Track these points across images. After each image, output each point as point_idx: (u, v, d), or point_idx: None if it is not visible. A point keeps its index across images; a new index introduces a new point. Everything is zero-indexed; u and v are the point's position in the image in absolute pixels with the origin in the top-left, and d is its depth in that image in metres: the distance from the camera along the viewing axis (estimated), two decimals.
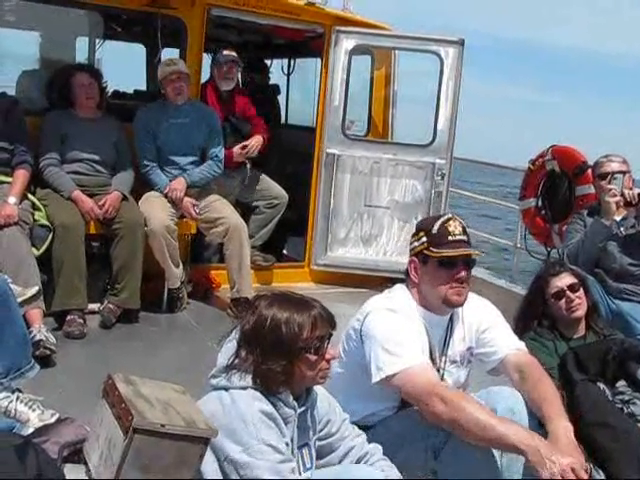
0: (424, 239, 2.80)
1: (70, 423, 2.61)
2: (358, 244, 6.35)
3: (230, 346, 2.28)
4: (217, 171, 5.59)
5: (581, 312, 3.48)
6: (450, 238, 2.77)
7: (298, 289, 6.14)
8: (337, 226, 6.34)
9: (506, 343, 2.90)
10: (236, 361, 2.23)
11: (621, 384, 3.22)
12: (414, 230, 2.93)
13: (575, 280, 3.52)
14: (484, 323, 2.93)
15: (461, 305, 2.84)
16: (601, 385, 3.18)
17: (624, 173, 4.53)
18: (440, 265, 2.76)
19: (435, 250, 2.75)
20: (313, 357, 2.22)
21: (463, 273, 2.77)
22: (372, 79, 6.87)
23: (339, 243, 6.36)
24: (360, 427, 2.62)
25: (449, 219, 2.82)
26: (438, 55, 6.20)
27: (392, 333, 2.68)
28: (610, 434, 2.95)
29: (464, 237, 2.81)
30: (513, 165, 7.35)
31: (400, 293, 2.90)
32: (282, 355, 2.19)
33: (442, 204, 6.18)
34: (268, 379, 2.19)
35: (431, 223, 2.82)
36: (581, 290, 3.51)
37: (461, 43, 6.17)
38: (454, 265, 2.76)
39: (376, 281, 5.64)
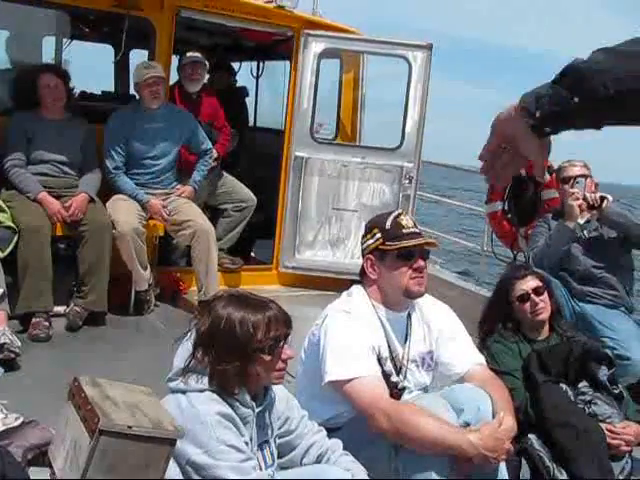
0: (378, 235, 2.85)
1: (35, 426, 2.60)
2: (326, 247, 6.37)
3: (186, 348, 2.29)
4: (211, 163, 5.80)
5: (545, 315, 3.53)
6: (405, 231, 2.84)
7: (266, 292, 6.17)
8: (305, 229, 6.35)
9: (468, 358, 2.95)
10: (192, 363, 2.24)
11: (583, 385, 3.28)
12: (365, 230, 2.97)
13: (540, 283, 3.57)
14: (446, 331, 2.98)
15: (421, 295, 2.90)
16: (563, 386, 3.24)
17: (586, 177, 4.61)
18: (398, 257, 2.83)
19: (391, 243, 2.81)
20: (267, 357, 2.24)
21: (421, 262, 2.85)
22: (341, 83, 6.91)
23: (307, 246, 6.38)
24: (327, 429, 2.63)
25: (400, 214, 2.90)
26: (406, 59, 6.23)
27: (345, 338, 2.73)
28: (572, 434, 3.02)
29: (416, 229, 2.89)
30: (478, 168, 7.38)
31: (356, 293, 2.94)
32: (237, 355, 2.21)
33: (410, 207, 6.21)
34: (224, 380, 2.20)
35: (383, 220, 2.88)
36: (545, 293, 3.55)
37: (429, 47, 6.21)
38: (412, 255, 2.83)
39: (344, 284, 5.58)
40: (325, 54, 6.31)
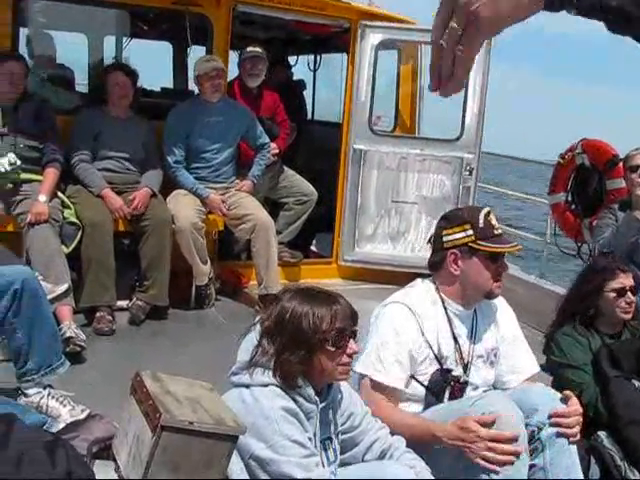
0: (470, 232, 2.77)
1: (99, 420, 2.62)
2: (386, 240, 6.32)
3: (250, 341, 2.28)
4: (269, 157, 5.83)
5: (630, 316, 3.40)
6: (495, 232, 2.79)
7: (326, 285, 6.15)
8: (365, 222, 6.31)
9: (526, 367, 2.93)
10: (257, 355, 2.23)
11: None
12: (448, 221, 2.87)
13: (634, 284, 3.45)
14: (508, 335, 2.94)
15: (497, 296, 2.87)
16: (636, 382, 3.13)
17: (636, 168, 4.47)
18: (488, 258, 2.76)
19: (484, 244, 2.74)
20: (332, 348, 2.22)
21: (506, 266, 2.83)
22: (399, 74, 6.83)
23: (367, 239, 6.34)
24: None
25: (489, 212, 2.82)
26: None
27: (390, 335, 2.71)
28: None
29: (500, 230, 2.83)
30: (541, 159, 7.26)
31: (422, 286, 2.89)
32: (301, 345, 2.19)
33: (470, 199, 6.11)
34: (288, 370, 2.19)
35: (475, 216, 2.79)
36: (636, 296, 3.43)
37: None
38: (499, 259, 2.79)
39: (404, 277, 5.56)
40: (382, 45, 6.25)
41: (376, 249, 6.33)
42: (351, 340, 2.28)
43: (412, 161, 6.20)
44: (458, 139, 6.20)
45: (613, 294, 3.39)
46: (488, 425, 2.43)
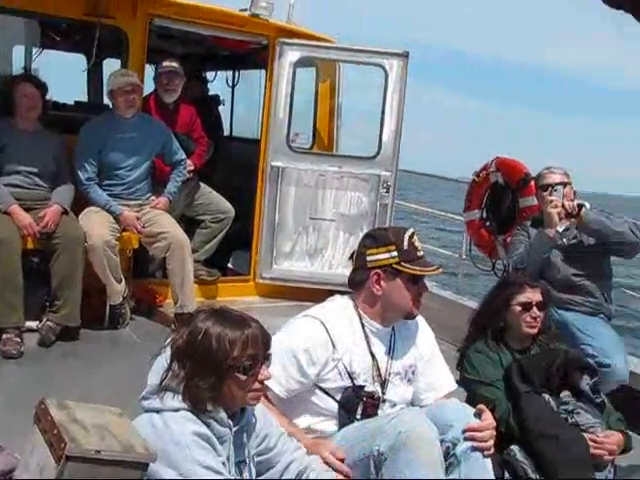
0: (395, 253, 2.79)
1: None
2: (304, 257, 6.31)
3: (160, 364, 2.21)
4: (185, 174, 5.73)
5: (535, 331, 3.47)
6: (419, 254, 2.82)
7: (243, 303, 6.10)
8: (282, 239, 6.28)
9: (444, 385, 2.99)
10: (167, 379, 2.16)
11: (565, 394, 3.23)
12: (373, 241, 2.88)
13: (542, 299, 3.52)
14: (426, 353, 2.97)
15: (416, 317, 2.91)
16: (546, 396, 3.19)
17: (565, 184, 4.58)
18: (410, 280, 2.79)
19: (408, 266, 2.77)
20: (243, 377, 2.17)
21: (426, 288, 2.88)
22: (317, 91, 6.85)
23: (285, 256, 6.31)
24: None
25: (413, 234, 2.86)
26: (383, 68, 6.20)
27: (290, 345, 2.70)
28: (555, 444, 2.97)
29: (423, 253, 2.87)
30: (457, 177, 7.39)
31: (339, 303, 2.90)
32: (211, 371, 2.13)
33: (387, 216, 6.18)
34: (197, 396, 2.13)
35: (399, 237, 2.82)
36: (543, 311, 3.50)
37: (405, 55, 6.19)
38: (420, 281, 2.83)
39: (322, 294, 5.55)
40: (301, 63, 6.27)
41: (294, 266, 6.32)
42: (263, 366, 2.23)
43: (330, 178, 6.23)
44: (375, 157, 6.26)
45: (519, 308, 3.47)
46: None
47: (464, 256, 6.57)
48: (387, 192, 6.20)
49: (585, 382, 3.24)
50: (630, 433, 3.34)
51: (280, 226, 6.26)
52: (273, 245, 6.27)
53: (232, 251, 6.98)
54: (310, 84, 6.89)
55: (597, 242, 4.47)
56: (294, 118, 6.28)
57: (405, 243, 2.79)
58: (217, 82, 8.09)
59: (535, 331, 3.46)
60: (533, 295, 3.48)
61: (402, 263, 2.77)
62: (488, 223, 5.91)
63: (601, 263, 4.59)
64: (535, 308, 3.45)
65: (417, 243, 2.83)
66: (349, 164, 6.29)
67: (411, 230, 2.87)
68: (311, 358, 2.70)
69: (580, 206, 4.38)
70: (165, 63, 5.84)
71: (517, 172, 5.64)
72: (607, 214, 4.51)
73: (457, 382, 3.31)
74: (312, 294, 5.73)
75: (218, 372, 2.14)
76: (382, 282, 2.80)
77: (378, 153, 6.26)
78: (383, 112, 6.20)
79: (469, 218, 6.06)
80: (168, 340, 2.25)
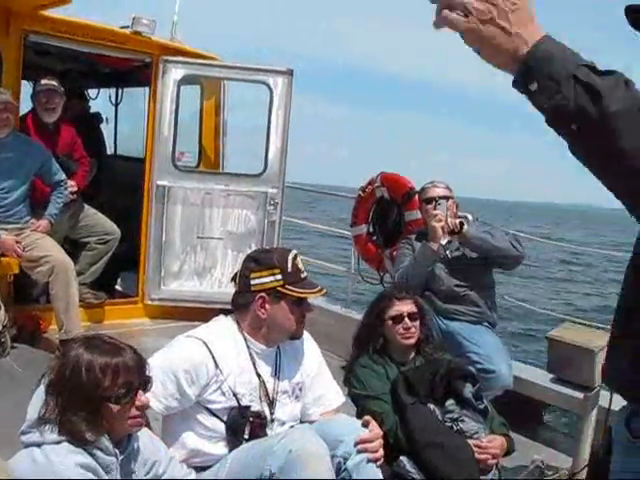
0: (279, 277, 2.78)
1: None
2: (192, 277, 6.24)
3: (40, 395, 2.12)
4: (66, 194, 5.56)
5: (413, 341, 3.52)
6: (302, 276, 2.83)
7: (133, 325, 5.93)
8: (170, 259, 6.18)
9: (331, 399, 3.02)
10: (45, 412, 2.07)
11: (450, 403, 3.30)
12: (254, 263, 2.85)
13: (415, 309, 3.57)
14: (313, 369, 3.00)
15: (301, 337, 2.93)
16: (431, 406, 3.26)
17: (447, 198, 4.70)
18: (294, 303, 2.80)
19: (292, 288, 2.78)
20: (115, 407, 2.10)
21: (310, 309, 2.88)
22: (202, 109, 6.81)
23: (173, 276, 6.21)
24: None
25: (296, 255, 2.86)
26: (267, 85, 6.23)
27: (170, 364, 2.67)
28: (441, 453, 3.04)
29: (306, 273, 2.88)
30: (345, 192, 7.47)
31: (223, 324, 2.88)
32: (84, 403, 2.06)
33: (275, 233, 6.20)
34: (72, 429, 2.04)
35: (283, 260, 2.80)
36: (418, 320, 3.57)
37: (290, 73, 6.24)
38: (305, 302, 2.84)
39: (212, 313, 5.48)
40: (185, 80, 6.21)
41: (183, 286, 6.23)
42: (140, 392, 2.17)
43: (217, 196, 6.19)
44: (262, 174, 6.27)
45: (391, 322, 3.53)
46: None
47: (353, 270, 6.64)
48: (274, 209, 6.22)
49: (468, 390, 3.33)
50: (512, 435, 3.46)
51: (167, 246, 6.16)
52: (161, 265, 6.16)
53: (119, 272, 6.82)
54: (195, 102, 6.85)
55: (479, 255, 4.61)
56: (179, 136, 6.22)
57: (289, 265, 2.79)
58: (100, 100, 7.89)
59: (412, 341, 3.52)
60: (402, 307, 3.54)
61: (286, 286, 2.78)
62: (375, 237, 6.00)
63: (483, 274, 4.72)
64: (407, 319, 3.51)
65: (300, 265, 2.85)
66: (235, 182, 6.27)
67: (294, 252, 2.87)
68: (191, 378, 2.65)
69: (462, 223, 4.50)
70: (43, 81, 5.64)
71: (401, 187, 5.76)
72: (489, 228, 4.65)
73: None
74: (202, 314, 5.65)
75: (91, 403, 2.07)
76: (267, 305, 2.79)
77: (264, 170, 6.27)
78: (269, 129, 6.23)
79: (356, 233, 6.13)
80: (45, 372, 2.16)
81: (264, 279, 2.79)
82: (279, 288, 2.78)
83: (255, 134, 6.59)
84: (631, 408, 1.66)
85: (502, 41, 1.25)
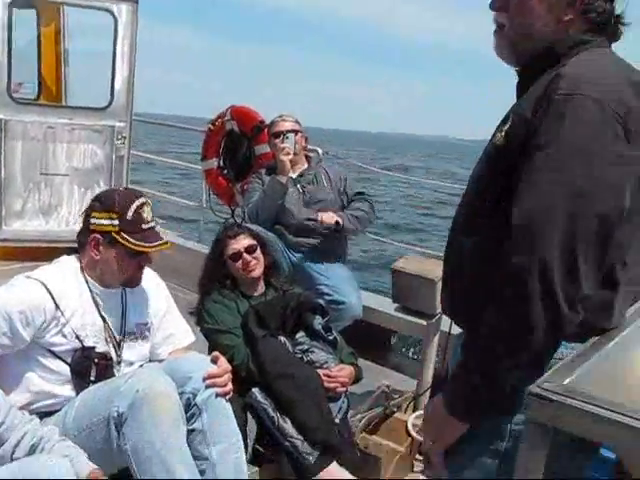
0: (116, 222, 2.68)
1: None
2: (37, 215, 5.93)
3: None
4: None
5: (257, 272, 3.57)
6: (144, 226, 2.71)
7: None
8: (11, 198, 5.83)
9: (181, 337, 3.03)
10: None
11: (300, 335, 3.41)
12: (98, 203, 2.76)
13: (252, 242, 3.60)
14: (161, 308, 2.98)
15: (138, 286, 2.86)
16: (282, 338, 3.35)
17: (296, 132, 4.74)
18: (128, 252, 2.71)
19: (127, 237, 2.68)
20: None
21: (148, 261, 2.80)
22: (39, 36, 6.40)
23: (16, 216, 5.88)
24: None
25: (143, 204, 2.73)
26: (111, 12, 5.93)
27: (9, 307, 2.58)
28: (291, 383, 3.14)
29: (154, 223, 2.78)
30: (195, 125, 7.33)
31: (65, 264, 2.79)
32: None
33: (124, 168, 6.01)
34: None
35: (125, 206, 2.69)
36: (258, 251, 3.60)
37: (135, 1, 5.97)
38: (142, 253, 2.74)
39: (59, 253, 5.32)
40: (17, 4, 5.76)
41: (27, 226, 5.92)
42: None
43: (60, 131, 5.87)
44: (108, 107, 6.02)
45: (230, 260, 3.57)
46: None
47: (204, 205, 6.60)
48: (122, 143, 6.00)
49: (317, 322, 3.45)
50: (361, 362, 3.63)
51: (8, 184, 5.80)
52: (1, 205, 5.83)
53: None
54: (32, 28, 6.42)
55: (334, 197, 4.72)
56: (15, 66, 5.81)
57: (130, 213, 2.69)
58: None
59: (256, 273, 3.57)
60: (237, 244, 3.57)
61: (122, 233, 2.68)
62: (225, 171, 5.96)
63: (337, 209, 4.83)
64: (245, 254, 3.54)
65: (146, 214, 2.73)
66: (80, 115, 5.96)
67: (142, 200, 2.75)
68: (26, 319, 2.56)
69: (337, 222, 4.53)
70: None
71: (251, 120, 5.73)
72: (355, 209, 4.72)
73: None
74: (48, 253, 5.42)
75: None
76: (100, 247, 2.72)
77: (111, 103, 6.01)
78: (114, 60, 5.94)
79: (207, 167, 6.07)
80: None
81: (102, 220, 2.71)
82: (114, 234, 2.69)
83: (100, 64, 6.29)
84: (465, 335, 1.80)
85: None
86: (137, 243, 2.69)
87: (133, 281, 2.81)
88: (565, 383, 1.30)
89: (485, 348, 1.55)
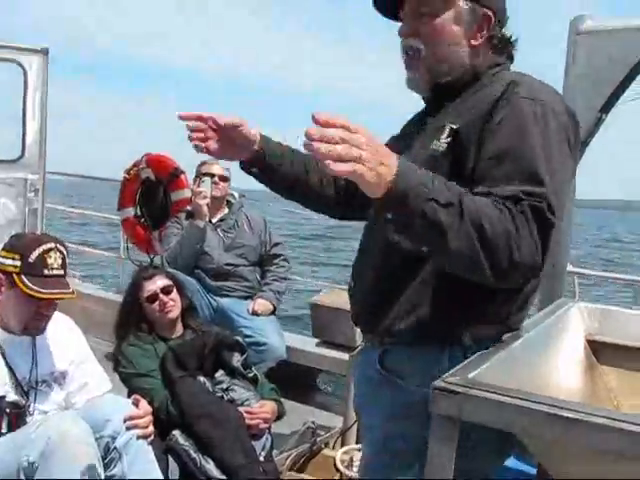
0: (18, 263, 2.60)
1: None
2: None
3: None
4: None
5: (174, 314, 3.55)
6: (46, 272, 2.62)
7: None
8: None
9: (98, 385, 2.91)
10: None
11: (220, 374, 3.39)
12: (9, 243, 2.68)
13: (168, 282, 3.58)
14: (77, 356, 2.89)
15: (42, 333, 2.76)
16: (201, 378, 3.32)
17: (212, 175, 4.76)
18: (27, 296, 2.60)
19: (26, 282, 2.58)
20: None
21: (51, 309, 2.71)
22: None
23: None
24: None
25: (50, 249, 2.64)
26: (21, 65, 5.87)
27: None
28: (211, 422, 3.11)
29: (61, 271, 2.68)
30: (109, 176, 7.25)
31: None
32: None
33: (38, 221, 5.89)
34: None
35: (30, 248, 2.62)
36: (174, 292, 3.58)
37: (45, 52, 5.92)
38: (41, 299, 2.64)
39: None
40: None
41: None
42: None
43: None
44: (19, 159, 5.91)
45: (147, 302, 3.55)
46: None
47: (122, 255, 6.53)
48: (35, 195, 5.89)
49: (236, 359, 3.43)
50: (289, 403, 3.61)
51: None
52: None
53: None
54: None
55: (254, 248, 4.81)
56: None
57: (34, 255, 2.60)
58: None
59: (174, 314, 3.54)
60: (153, 284, 3.55)
61: (22, 275, 2.59)
62: (143, 219, 5.91)
63: (256, 256, 4.85)
64: (161, 295, 3.52)
65: (51, 260, 2.64)
66: None
67: (50, 245, 2.66)
68: None
69: (274, 308, 4.71)
70: None
71: (167, 167, 5.70)
72: (276, 279, 4.86)
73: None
74: None
75: None
76: (3, 289, 2.65)
77: (22, 155, 5.91)
78: (24, 112, 5.87)
79: (124, 216, 6.00)
80: None
81: (7, 260, 2.63)
82: (14, 275, 2.60)
83: (9, 118, 6.18)
84: (382, 348, 1.83)
85: (368, 177, 1.37)
86: (33, 287, 2.58)
87: (32, 328, 2.69)
88: (469, 377, 1.35)
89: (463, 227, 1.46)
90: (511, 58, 1.87)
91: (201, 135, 1.84)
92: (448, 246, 1.43)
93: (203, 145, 1.84)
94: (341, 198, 2.11)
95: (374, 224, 1.87)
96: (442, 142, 1.70)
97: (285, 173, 1.98)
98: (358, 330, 2.05)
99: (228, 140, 1.87)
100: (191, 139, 1.84)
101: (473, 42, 1.78)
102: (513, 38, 1.85)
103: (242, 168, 1.97)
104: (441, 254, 1.52)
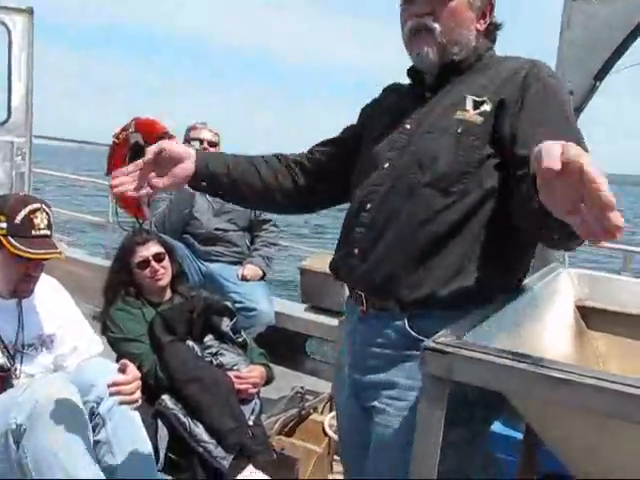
0: (4, 224, 2.56)
1: None
2: None
3: None
4: None
5: (165, 281, 3.52)
6: (33, 232, 2.58)
7: None
8: None
9: (88, 347, 2.89)
10: None
11: (209, 338, 3.38)
12: None
13: (161, 249, 3.54)
14: (66, 319, 2.86)
15: (29, 296, 2.73)
16: (190, 343, 3.31)
17: (202, 141, 4.72)
18: (15, 258, 2.57)
19: (14, 243, 2.55)
20: None
21: (38, 270, 2.67)
22: None
23: None
24: None
25: (36, 210, 2.61)
26: (5, 25, 5.78)
27: None
28: (201, 387, 3.11)
29: (48, 231, 2.65)
30: (95, 141, 7.18)
31: None
32: None
33: (26, 185, 5.84)
34: None
35: (15, 209, 2.58)
36: (167, 259, 3.55)
37: (30, 12, 5.82)
38: (30, 260, 2.61)
39: None
40: None
41: None
42: None
43: None
44: (5, 122, 5.85)
45: (138, 268, 3.50)
46: None
47: (111, 220, 6.49)
48: (22, 159, 5.84)
49: (225, 324, 3.42)
50: (278, 368, 3.62)
51: None
52: None
53: None
54: None
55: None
56: None
57: (20, 216, 2.57)
58: None
59: (164, 282, 3.52)
60: (146, 251, 3.51)
61: (9, 237, 2.56)
62: None
63: (246, 221, 4.83)
64: (153, 262, 3.49)
65: (38, 221, 2.61)
66: None
67: (36, 205, 2.63)
68: None
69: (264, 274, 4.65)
70: None
71: (156, 131, 5.63)
72: (265, 245, 4.83)
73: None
74: None
75: None
76: None
77: (8, 119, 5.84)
78: (10, 74, 5.79)
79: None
80: None
81: None
82: (1, 237, 2.57)
83: None
84: (408, 314, 1.82)
85: None
86: (20, 247, 2.55)
87: (21, 290, 2.67)
88: (459, 337, 1.36)
89: None
90: (494, 41, 2.00)
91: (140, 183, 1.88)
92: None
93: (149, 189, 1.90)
94: (302, 187, 2.14)
95: (387, 198, 1.86)
96: (473, 113, 1.80)
97: (235, 178, 2.06)
98: (346, 294, 2.04)
99: (164, 170, 1.93)
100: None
101: (478, 27, 1.92)
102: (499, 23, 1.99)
103: (191, 186, 2.06)
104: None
